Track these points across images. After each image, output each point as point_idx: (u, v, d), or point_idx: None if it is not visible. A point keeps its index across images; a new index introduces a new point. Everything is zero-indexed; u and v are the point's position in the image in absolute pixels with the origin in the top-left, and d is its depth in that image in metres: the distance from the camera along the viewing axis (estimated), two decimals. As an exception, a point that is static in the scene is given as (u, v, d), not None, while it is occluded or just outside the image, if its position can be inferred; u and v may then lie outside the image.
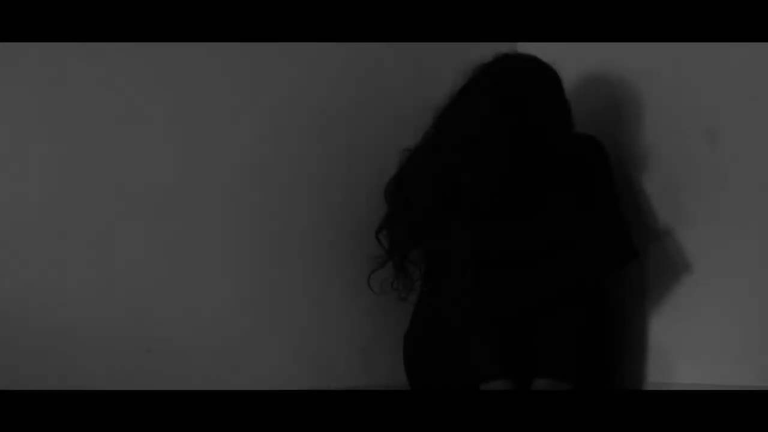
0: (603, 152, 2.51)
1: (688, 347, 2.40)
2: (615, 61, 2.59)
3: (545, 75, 2.46)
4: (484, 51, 2.51)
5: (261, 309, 2.64)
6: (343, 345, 2.70)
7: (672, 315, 2.44)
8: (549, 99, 2.46)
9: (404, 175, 2.50)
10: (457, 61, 2.51)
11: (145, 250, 2.54)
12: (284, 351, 2.64)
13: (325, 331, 2.69)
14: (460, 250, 2.37)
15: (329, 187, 2.71)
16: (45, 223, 2.46)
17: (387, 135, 2.67)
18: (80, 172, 2.49)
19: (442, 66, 2.57)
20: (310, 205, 2.69)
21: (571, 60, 2.55)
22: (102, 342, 2.49)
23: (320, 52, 2.68)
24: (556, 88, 2.47)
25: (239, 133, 2.64)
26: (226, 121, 2.62)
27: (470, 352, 2.38)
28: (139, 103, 2.54)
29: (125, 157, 2.53)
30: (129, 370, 2.50)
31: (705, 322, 2.37)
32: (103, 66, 2.51)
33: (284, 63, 2.68)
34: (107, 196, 2.51)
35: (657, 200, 2.48)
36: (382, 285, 2.57)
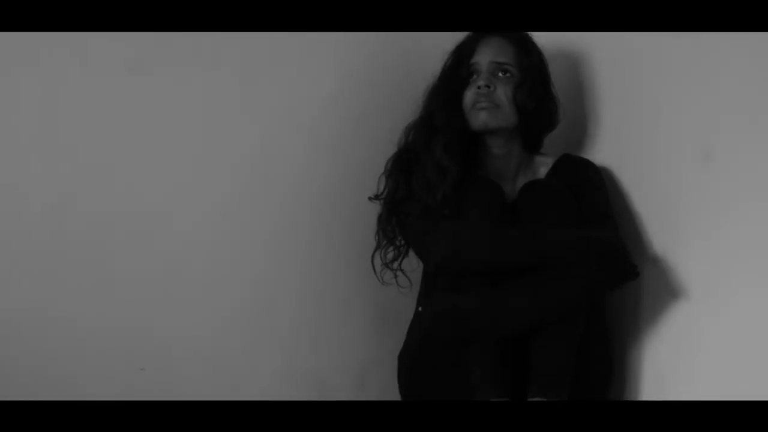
0: (598, 173, 2.52)
1: (682, 368, 2.39)
2: (606, 76, 2.61)
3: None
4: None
5: (255, 327, 2.64)
6: (338, 364, 2.70)
7: (666, 335, 2.43)
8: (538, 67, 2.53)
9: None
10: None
11: (139, 268, 2.54)
12: (278, 369, 2.64)
13: (320, 351, 2.69)
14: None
15: (325, 205, 2.70)
16: (40, 236, 2.46)
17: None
18: (77, 184, 2.49)
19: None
20: (305, 222, 2.69)
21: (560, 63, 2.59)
22: (95, 360, 2.49)
23: (320, 43, 2.66)
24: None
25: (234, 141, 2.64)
26: (220, 126, 2.62)
27: (465, 372, 2.37)
28: (138, 107, 2.54)
29: (123, 165, 2.53)
30: (122, 388, 2.50)
31: (699, 343, 2.36)
32: (104, 67, 2.51)
33: (287, 59, 2.67)
34: (104, 211, 2.51)
35: (651, 221, 2.48)
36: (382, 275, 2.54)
